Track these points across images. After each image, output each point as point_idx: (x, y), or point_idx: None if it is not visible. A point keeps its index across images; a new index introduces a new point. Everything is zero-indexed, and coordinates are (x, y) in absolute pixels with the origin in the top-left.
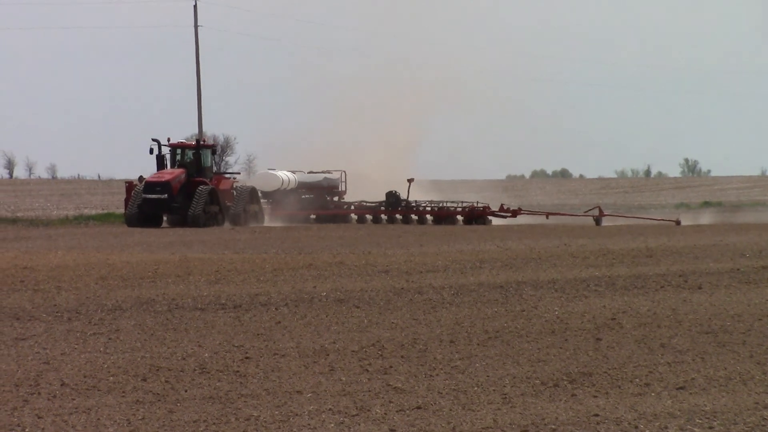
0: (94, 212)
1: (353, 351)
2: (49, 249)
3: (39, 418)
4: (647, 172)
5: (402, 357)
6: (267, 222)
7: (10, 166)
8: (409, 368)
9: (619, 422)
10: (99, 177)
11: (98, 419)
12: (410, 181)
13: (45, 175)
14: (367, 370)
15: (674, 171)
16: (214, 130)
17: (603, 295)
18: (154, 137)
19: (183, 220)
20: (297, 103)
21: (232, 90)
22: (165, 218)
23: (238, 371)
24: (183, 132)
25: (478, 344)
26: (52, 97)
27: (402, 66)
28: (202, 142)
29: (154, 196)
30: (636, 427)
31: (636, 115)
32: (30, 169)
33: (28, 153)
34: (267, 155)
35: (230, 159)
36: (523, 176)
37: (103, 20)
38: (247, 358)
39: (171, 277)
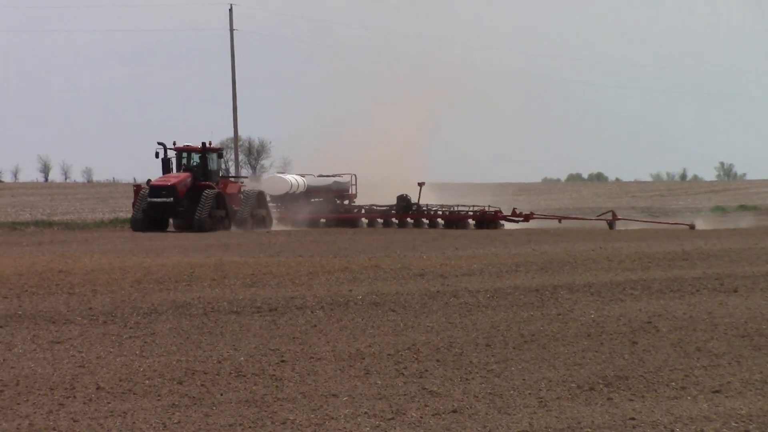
0: (129, 216)
1: (389, 354)
2: (84, 252)
3: (74, 421)
4: (683, 176)
5: (437, 361)
6: (275, 226)
7: (45, 169)
8: (445, 372)
9: (655, 426)
10: (134, 180)
11: (134, 423)
12: (421, 184)
13: (80, 178)
14: (403, 374)
15: (710, 174)
16: (249, 133)
17: (639, 299)
18: (160, 141)
19: (189, 224)
20: (325, 106)
21: (268, 93)
22: (171, 222)
23: (273, 375)
24: (218, 135)
25: (514, 348)
26: (88, 101)
27: (430, 66)
28: (208, 145)
29: (159, 199)
30: (672, 431)
31: (672, 119)
32: (65, 173)
33: (64, 157)
34: (301, 158)
35: (266, 162)
36: (558, 180)
37: (139, 24)
38: (282, 361)
39: (207, 281)
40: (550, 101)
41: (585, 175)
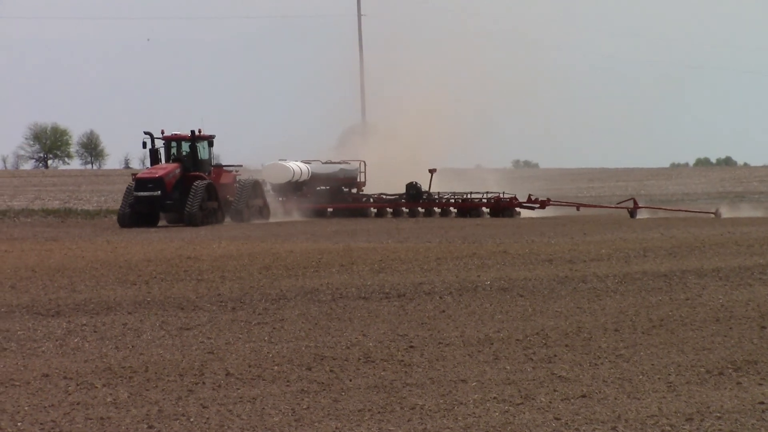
0: None
1: (517, 340)
2: (212, 239)
3: (204, 407)
4: None
5: (566, 346)
6: (278, 217)
7: None
8: (574, 357)
9: None
10: (261, 166)
11: (263, 408)
12: (432, 171)
13: None
14: (532, 359)
15: None
16: (377, 119)
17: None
18: (146, 130)
19: (180, 218)
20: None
21: (395, 79)
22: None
23: (402, 360)
24: (344, 122)
25: (643, 333)
26: (212, 88)
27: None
28: (198, 133)
29: (146, 193)
30: None
31: None
32: None
33: None
34: (425, 144)
35: None
36: (687, 164)
37: (269, 9)
38: (411, 347)
39: (335, 267)
40: (680, 86)
41: (713, 160)
